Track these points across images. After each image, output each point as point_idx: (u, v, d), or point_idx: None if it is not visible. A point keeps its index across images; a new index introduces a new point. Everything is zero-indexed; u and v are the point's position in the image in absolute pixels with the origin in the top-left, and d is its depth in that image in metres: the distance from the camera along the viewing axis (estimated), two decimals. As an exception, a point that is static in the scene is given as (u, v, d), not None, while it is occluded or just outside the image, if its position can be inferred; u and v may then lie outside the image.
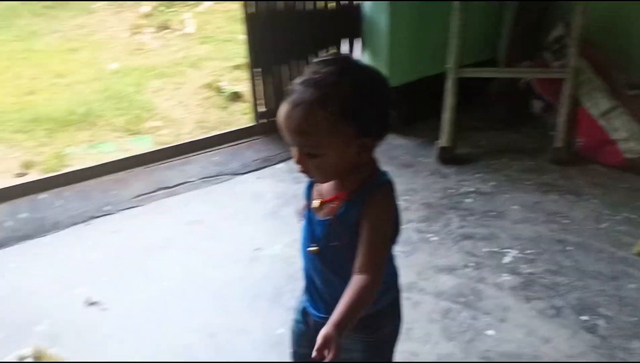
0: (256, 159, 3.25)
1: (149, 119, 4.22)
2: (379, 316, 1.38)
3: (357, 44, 3.57)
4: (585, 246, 2.56)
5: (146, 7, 6.71)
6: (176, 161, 3.23)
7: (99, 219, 2.85)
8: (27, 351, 1.37)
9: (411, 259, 2.53)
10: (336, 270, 1.29)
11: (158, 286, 2.44)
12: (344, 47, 3.54)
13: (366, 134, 1.18)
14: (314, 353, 1.16)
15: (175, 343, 2.15)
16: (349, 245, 1.24)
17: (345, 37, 3.51)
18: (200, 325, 2.22)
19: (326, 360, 1.16)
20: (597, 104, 3.12)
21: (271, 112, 3.35)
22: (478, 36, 3.46)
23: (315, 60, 1.20)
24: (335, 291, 1.26)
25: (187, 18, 6.43)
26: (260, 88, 3.38)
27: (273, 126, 3.36)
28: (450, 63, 3.07)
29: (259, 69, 3.31)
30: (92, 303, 2.35)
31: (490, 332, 2.13)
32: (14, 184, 2.96)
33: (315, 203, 1.30)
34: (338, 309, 1.18)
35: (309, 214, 1.33)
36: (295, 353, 1.56)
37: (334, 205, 1.26)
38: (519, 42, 3.59)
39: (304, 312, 1.47)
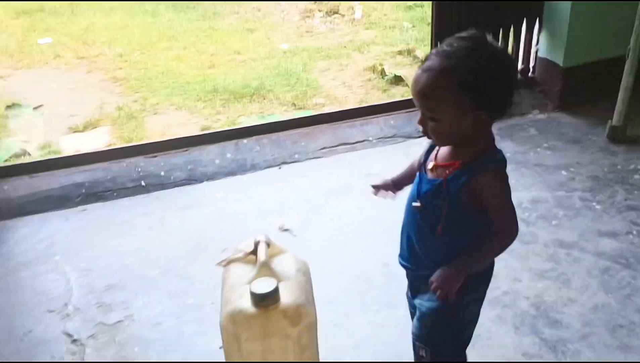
0: (429, 126, 3.52)
1: (314, 96, 4.55)
2: (470, 281, 1.47)
3: (536, 24, 3.71)
4: None
5: (318, -7, 7.11)
6: (357, 122, 3.57)
7: (289, 164, 3.27)
8: (262, 237, 1.74)
9: (573, 222, 2.67)
10: (433, 226, 1.44)
11: (338, 222, 2.80)
12: (523, 27, 3.69)
13: (484, 108, 1.31)
14: (434, 285, 1.41)
15: (354, 269, 2.48)
16: (448, 207, 1.40)
17: (525, 16, 3.65)
18: (375, 255, 2.53)
19: (444, 295, 1.40)
20: None
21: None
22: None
23: (455, 36, 1.34)
24: (429, 247, 1.48)
25: (356, 4, 6.74)
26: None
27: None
28: (632, 44, 3.12)
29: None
30: (285, 230, 2.75)
31: (648, 291, 2.25)
32: (223, 129, 3.48)
33: (430, 164, 1.45)
34: (470, 251, 1.42)
35: (421, 174, 1.48)
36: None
37: (448, 170, 1.40)
38: None
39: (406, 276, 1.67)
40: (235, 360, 1.60)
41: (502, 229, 1.42)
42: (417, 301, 1.61)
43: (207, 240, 2.70)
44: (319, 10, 6.75)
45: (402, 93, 4.49)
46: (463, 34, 1.35)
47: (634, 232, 2.59)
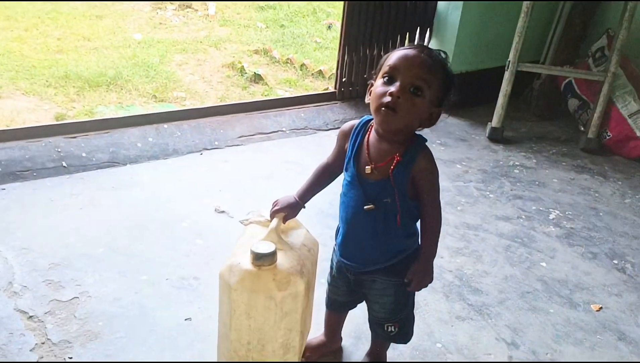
0: (336, 120, 3.81)
1: (174, 89, 4.57)
2: (408, 262, 1.67)
3: (426, 34, 4.15)
4: (614, 214, 3.16)
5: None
6: (270, 113, 3.76)
7: (210, 151, 3.37)
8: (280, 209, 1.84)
9: (474, 208, 3.09)
10: (387, 221, 1.58)
11: (269, 204, 2.96)
12: (417, 35, 4.12)
13: (440, 105, 1.51)
14: (413, 284, 1.65)
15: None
16: (399, 199, 1.54)
17: (419, 25, 4.08)
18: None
19: (424, 286, 1.68)
20: (627, 106, 3.75)
21: (350, 84, 3.95)
22: (530, 39, 4.03)
23: (418, 44, 1.56)
24: (388, 240, 1.62)
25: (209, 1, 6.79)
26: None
27: (351, 95, 3.95)
28: (512, 57, 3.65)
29: (346, 47, 3.86)
30: (221, 212, 2.87)
31: (543, 264, 2.70)
32: (144, 113, 3.48)
33: (368, 169, 1.55)
34: (426, 248, 1.64)
35: (358, 179, 1.58)
36: (334, 301, 1.92)
37: (391, 167, 1.52)
38: (563, 48, 4.20)
39: (341, 268, 1.79)
40: (223, 307, 1.76)
41: (438, 208, 1.61)
42: (372, 292, 1.77)
43: (145, 220, 2.73)
44: (171, 3, 6.69)
45: (262, 91, 4.65)
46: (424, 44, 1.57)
47: (523, 217, 3.06)
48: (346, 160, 1.63)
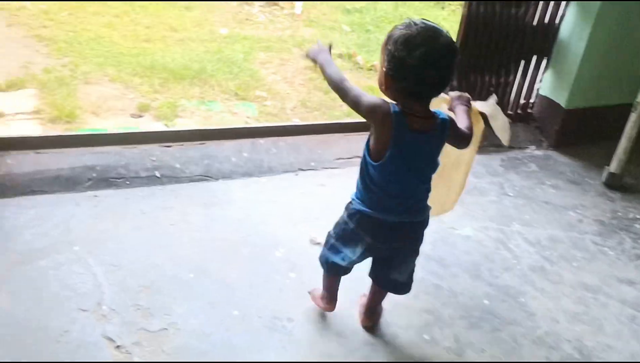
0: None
1: (256, 88, 4.49)
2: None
3: (543, 61, 3.84)
4: None
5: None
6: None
7: (305, 171, 3.19)
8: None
9: (592, 266, 2.79)
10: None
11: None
12: (532, 63, 3.82)
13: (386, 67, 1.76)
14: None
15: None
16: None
17: (536, 53, 3.77)
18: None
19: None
20: None
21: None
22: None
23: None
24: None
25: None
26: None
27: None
28: (640, 97, 3.32)
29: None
30: (317, 244, 2.67)
31: (675, 343, 2.39)
32: (239, 126, 3.35)
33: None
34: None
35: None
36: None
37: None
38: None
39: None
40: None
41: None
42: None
43: (237, 243, 2.58)
44: (258, -1, 6.62)
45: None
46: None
47: (649, 282, 2.74)
48: None
